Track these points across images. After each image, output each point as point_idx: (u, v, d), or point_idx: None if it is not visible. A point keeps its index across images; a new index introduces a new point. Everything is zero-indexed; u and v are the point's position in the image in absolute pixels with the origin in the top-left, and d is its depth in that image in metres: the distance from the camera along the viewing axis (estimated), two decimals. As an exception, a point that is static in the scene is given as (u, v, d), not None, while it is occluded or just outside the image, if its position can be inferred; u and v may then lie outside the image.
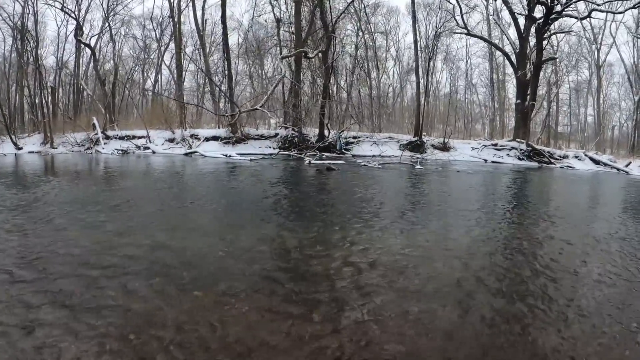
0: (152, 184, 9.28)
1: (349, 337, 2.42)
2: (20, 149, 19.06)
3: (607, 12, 21.12)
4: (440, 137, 21.42)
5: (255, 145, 19.47)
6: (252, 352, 2.23)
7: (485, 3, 25.08)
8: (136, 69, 29.73)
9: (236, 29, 27.51)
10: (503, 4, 22.01)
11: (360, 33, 26.17)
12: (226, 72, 21.71)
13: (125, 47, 28.96)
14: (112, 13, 25.46)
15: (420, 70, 22.53)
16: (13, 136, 19.45)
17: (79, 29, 23.75)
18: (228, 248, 4.09)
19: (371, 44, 27.50)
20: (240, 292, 2.98)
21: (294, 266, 3.63)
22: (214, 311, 2.67)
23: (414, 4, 21.66)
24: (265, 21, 24.86)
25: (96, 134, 19.77)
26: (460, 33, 23.62)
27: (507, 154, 19.61)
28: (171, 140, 19.97)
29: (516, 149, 19.71)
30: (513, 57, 21.90)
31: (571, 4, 19.49)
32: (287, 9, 22.94)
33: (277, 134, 20.34)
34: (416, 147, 19.76)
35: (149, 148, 19.08)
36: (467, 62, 32.21)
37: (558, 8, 19.51)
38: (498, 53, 26.96)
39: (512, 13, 21.24)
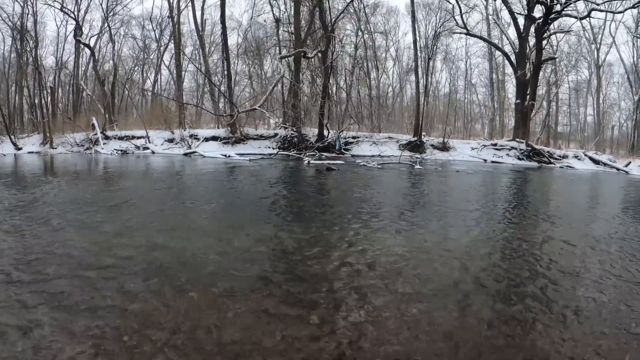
0: (151, 184, 9.27)
1: (346, 339, 2.40)
2: (19, 149, 19.05)
3: (606, 11, 21.12)
4: (439, 137, 21.40)
5: (255, 146, 19.46)
6: (247, 354, 2.21)
7: (484, 3, 25.12)
8: (135, 69, 29.76)
9: (235, 29, 27.54)
10: (502, 4, 22.02)
11: (360, 33, 26.20)
12: (225, 72, 21.71)
13: (125, 47, 29.00)
14: (111, 13, 25.48)
15: (419, 70, 22.54)
16: (12, 136, 19.44)
17: (78, 29, 23.75)
18: (226, 249, 4.07)
19: (370, 44, 27.52)
20: (236, 293, 2.97)
21: (292, 267, 3.61)
22: (210, 312, 2.65)
23: (413, 4, 21.65)
24: (265, 21, 24.88)
25: (95, 134, 19.76)
26: (460, 33, 23.63)
27: (507, 154, 19.60)
28: (170, 141, 19.96)
29: (516, 148, 19.70)
30: (512, 57, 21.89)
31: (571, 4, 19.48)
32: (286, 9, 22.96)
33: (276, 134, 20.32)
34: (416, 147, 19.74)
35: (148, 148, 19.07)
36: (466, 62, 32.28)
37: (557, 8, 19.51)
38: (498, 53, 26.95)
39: (511, 13, 21.23)
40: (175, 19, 23.83)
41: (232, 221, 5.46)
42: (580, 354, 2.33)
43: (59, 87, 26.57)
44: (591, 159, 19.22)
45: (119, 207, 6.13)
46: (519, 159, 19.25)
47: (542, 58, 21.01)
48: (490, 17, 25.87)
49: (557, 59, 25.40)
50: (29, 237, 4.34)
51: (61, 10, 23.46)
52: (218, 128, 22.13)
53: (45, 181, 9.27)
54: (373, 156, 18.01)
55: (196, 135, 20.06)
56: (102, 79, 24.18)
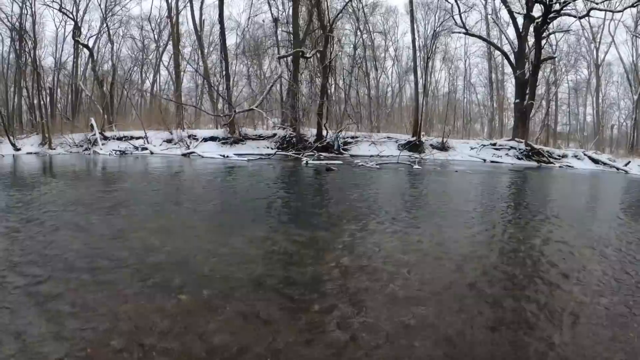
0: (149, 185, 9.24)
1: (338, 344, 2.38)
2: (18, 150, 19.05)
3: (605, 10, 21.07)
4: (439, 136, 21.38)
5: (253, 146, 19.45)
6: (235, 359, 2.19)
7: (483, 2, 25.12)
8: (134, 69, 29.71)
9: (234, 29, 27.51)
10: (501, 3, 22.03)
11: (359, 33, 26.16)
12: (224, 72, 21.68)
13: (124, 47, 28.93)
14: (110, 13, 25.45)
15: (418, 69, 22.53)
16: (11, 137, 19.43)
17: (77, 30, 23.75)
18: (221, 250, 4.05)
19: (369, 43, 27.48)
20: (228, 296, 2.94)
21: (286, 269, 3.59)
22: (200, 316, 2.62)
23: (412, 4, 21.63)
24: (263, 21, 24.87)
25: (94, 134, 19.74)
26: (459, 32, 23.60)
27: (506, 154, 19.58)
28: (169, 141, 19.96)
29: (515, 148, 19.68)
30: (512, 57, 21.87)
31: (570, 3, 19.43)
32: (284, 9, 22.94)
33: (275, 135, 20.31)
34: (414, 147, 19.72)
35: (146, 149, 19.06)
36: (465, 61, 32.24)
37: (557, 7, 19.47)
38: (497, 52, 26.90)
39: (510, 12, 21.20)
40: (173, 20, 23.80)
41: (228, 222, 5.43)
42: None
43: (58, 88, 26.55)
44: (590, 158, 19.21)
45: (116, 208, 6.11)
46: (518, 158, 19.24)
47: (541, 57, 20.97)
48: (489, 16, 25.88)
49: (556, 59, 25.38)
50: (23, 239, 4.31)
51: (60, 10, 23.47)
52: (217, 128, 22.12)
53: (42, 182, 9.25)
54: (372, 156, 17.99)
55: (195, 136, 20.06)
56: (100, 79, 24.15)
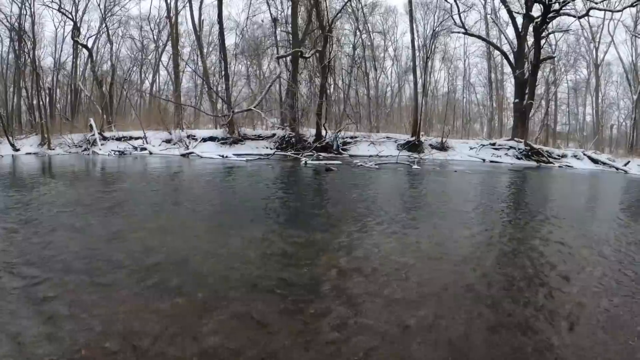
0: (148, 185, 9.23)
1: (333, 349, 2.36)
2: (17, 150, 19.05)
3: (605, 10, 21.07)
4: (438, 136, 21.39)
5: (252, 146, 19.44)
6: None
7: (482, 2, 25.12)
8: (134, 69, 29.69)
9: (233, 29, 27.49)
10: (501, 3, 22.03)
11: (358, 33, 26.14)
12: (223, 72, 21.67)
13: (123, 48, 28.91)
14: (109, 14, 25.41)
15: (418, 69, 22.52)
16: (10, 137, 19.43)
17: (76, 30, 23.72)
18: (218, 251, 4.04)
19: (369, 43, 27.46)
20: (222, 298, 2.92)
21: (282, 271, 3.57)
22: (194, 318, 2.61)
23: (411, 3, 21.63)
24: (262, 21, 24.84)
25: (93, 135, 19.73)
26: (458, 32, 23.57)
27: (506, 154, 19.58)
28: (168, 141, 19.94)
29: (514, 148, 19.68)
30: (511, 56, 21.86)
31: (569, 3, 19.45)
32: (283, 9, 22.92)
33: (274, 135, 20.30)
34: (414, 147, 19.72)
35: (145, 149, 19.04)
36: (465, 61, 32.25)
37: (556, 7, 19.48)
38: (496, 52, 26.90)
39: (509, 12, 21.20)
40: (172, 20, 23.78)
41: (228, 223, 5.42)
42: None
43: (57, 88, 26.53)
44: (590, 158, 19.20)
45: (114, 209, 6.10)
46: (518, 158, 19.23)
47: (541, 57, 20.98)
48: (488, 16, 25.87)
49: (555, 58, 25.36)
50: (19, 240, 4.30)
51: (59, 11, 23.45)
52: (216, 128, 22.10)
53: (41, 183, 9.24)
54: (371, 156, 17.99)
55: (194, 136, 20.04)
56: (100, 79, 24.14)
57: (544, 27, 20.15)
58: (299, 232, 4.83)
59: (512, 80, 23.23)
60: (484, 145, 20.28)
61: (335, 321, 2.64)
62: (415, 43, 22.16)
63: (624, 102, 31.13)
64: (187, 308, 2.75)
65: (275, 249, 4.21)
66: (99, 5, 24.57)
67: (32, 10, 22.26)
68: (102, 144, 19.44)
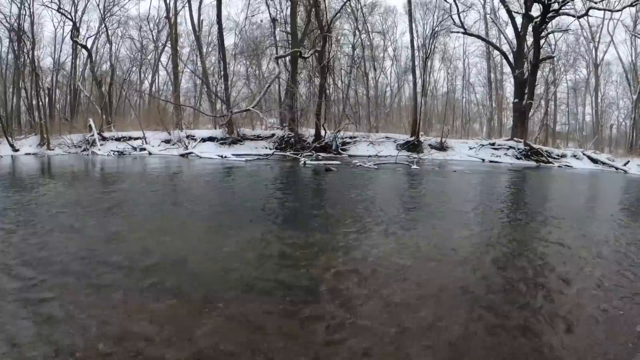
0: (147, 186, 9.21)
1: (329, 349, 2.35)
2: (16, 150, 19.02)
3: (604, 10, 21.06)
4: (437, 136, 21.37)
5: (252, 146, 19.43)
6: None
7: (482, 2, 25.09)
8: (133, 70, 29.67)
9: (232, 29, 27.47)
10: (500, 3, 22.00)
11: (357, 33, 26.12)
12: (222, 72, 21.66)
13: (122, 48, 28.89)
14: (108, 14, 25.38)
15: (417, 69, 22.51)
16: (10, 138, 19.39)
17: (75, 30, 23.68)
18: (215, 253, 4.03)
19: (368, 43, 27.45)
20: (218, 300, 2.91)
21: (279, 273, 3.55)
22: (188, 320, 2.59)
23: (410, 3, 21.59)
24: (261, 21, 24.83)
25: (92, 135, 19.70)
26: (457, 32, 23.56)
27: (505, 154, 19.57)
28: (167, 142, 19.92)
29: (514, 148, 19.67)
30: (510, 56, 21.86)
31: (568, 2, 19.44)
32: (282, 9, 22.91)
33: (273, 135, 20.28)
34: (413, 147, 19.71)
35: (145, 149, 19.01)
36: (464, 61, 32.22)
37: (555, 6, 19.47)
38: (496, 52, 26.89)
39: (509, 12, 21.20)
40: (172, 20, 23.76)
41: (225, 224, 5.40)
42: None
43: (56, 89, 26.52)
44: (590, 158, 19.20)
45: (113, 209, 6.09)
46: (517, 158, 19.22)
47: (540, 57, 20.97)
48: (487, 16, 25.84)
49: (555, 58, 25.35)
50: (16, 242, 4.27)
51: (58, 11, 23.40)
52: (215, 129, 22.07)
53: (40, 183, 9.22)
54: (370, 156, 17.97)
55: (193, 136, 20.02)
56: (99, 80, 24.10)
57: (543, 26, 20.14)
58: (297, 233, 4.82)
59: (512, 80, 23.23)
60: (483, 145, 20.27)
61: (333, 323, 2.62)
62: (415, 43, 22.18)
63: (623, 101, 31.13)
64: (183, 309, 2.74)
65: (274, 250, 4.20)
66: (98, 5, 24.57)
67: (32, 10, 22.23)
68: (101, 144, 19.41)
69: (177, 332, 2.43)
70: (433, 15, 27.17)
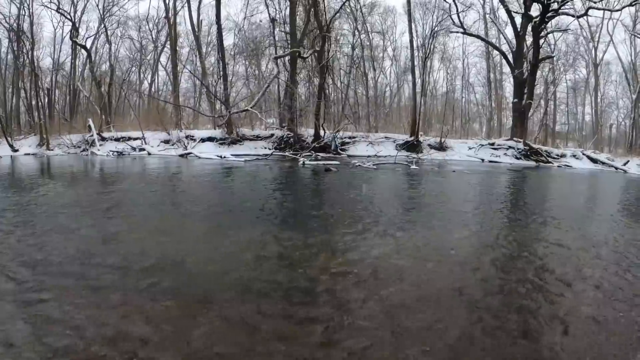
0: (146, 186, 9.20)
1: (325, 352, 2.34)
2: (16, 151, 19.01)
3: (603, 9, 21.07)
4: (437, 136, 21.36)
5: (251, 146, 19.42)
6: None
7: (481, 2, 25.10)
8: (132, 70, 29.66)
9: (232, 29, 27.47)
10: (499, 3, 21.99)
11: (357, 33, 26.11)
12: (221, 72, 21.65)
13: (122, 48, 28.89)
14: (107, 14, 25.36)
15: (416, 69, 22.50)
16: (9, 138, 19.39)
17: (74, 30, 23.66)
18: (212, 254, 4.02)
19: (367, 43, 27.44)
20: (214, 301, 2.90)
21: (276, 274, 3.55)
22: (183, 322, 2.58)
23: (409, 3, 21.59)
24: (260, 21, 24.82)
25: (92, 135, 19.68)
26: (457, 32, 23.55)
27: (505, 154, 19.57)
28: (167, 142, 19.90)
29: (513, 148, 19.67)
30: (510, 56, 21.86)
31: (568, 2, 19.45)
32: (281, 9, 22.90)
33: (272, 135, 20.27)
34: (412, 147, 19.70)
35: (144, 150, 18.99)
36: (464, 61, 32.23)
37: (555, 6, 19.48)
38: (495, 52, 26.90)
39: (508, 12, 21.20)
40: (171, 20, 23.75)
41: (224, 224, 5.39)
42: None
43: (56, 89, 26.50)
44: (589, 157, 19.20)
45: (112, 210, 6.09)
46: (517, 158, 19.22)
47: (540, 57, 20.98)
48: (487, 16, 25.85)
49: (554, 58, 25.36)
50: (14, 243, 4.26)
51: (57, 11, 23.38)
52: (214, 129, 22.05)
53: (40, 184, 9.21)
54: (369, 156, 17.96)
55: (192, 136, 20.00)
56: (98, 80, 24.07)
57: (542, 26, 20.15)
58: (296, 234, 4.81)
59: (511, 80, 23.23)
60: (482, 145, 20.27)
61: (330, 324, 2.61)
62: (414, 43, 22.19)
63: (623, 101, 31.14)
64: (179, 311, 2.73)
65: (272, 251, 4.19)
66: (97, 5, 24.55)
67: (31, 10, 22.22)
68: (100, 145, 19.39)
69: (173, 334, 2.42)
70: (432, 15, 27.20)
